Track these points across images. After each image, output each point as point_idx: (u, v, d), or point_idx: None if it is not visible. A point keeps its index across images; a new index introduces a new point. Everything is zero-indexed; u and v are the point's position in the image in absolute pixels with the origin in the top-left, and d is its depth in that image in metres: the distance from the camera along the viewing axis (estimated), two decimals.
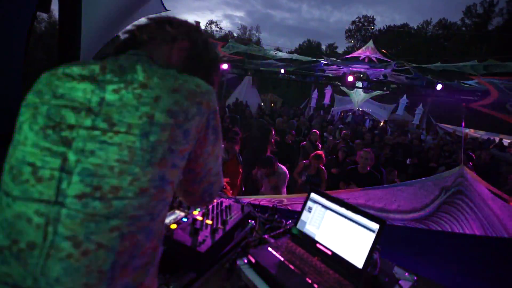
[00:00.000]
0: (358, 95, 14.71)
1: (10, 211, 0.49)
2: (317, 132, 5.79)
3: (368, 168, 3.30)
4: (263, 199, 1.87)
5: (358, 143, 5.38)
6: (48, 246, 0.47)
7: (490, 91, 4.60)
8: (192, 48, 0.71)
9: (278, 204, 1.65)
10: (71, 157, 0.50)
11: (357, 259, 0.88)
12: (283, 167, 3.20)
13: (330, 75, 12.05)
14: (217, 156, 0.69)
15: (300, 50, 37.58)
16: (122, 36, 0.72)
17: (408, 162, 5.88)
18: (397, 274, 0.97)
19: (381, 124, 13.85)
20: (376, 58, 14.84)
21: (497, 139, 12.36)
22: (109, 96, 0.54)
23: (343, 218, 0.96)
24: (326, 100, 17.86)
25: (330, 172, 4.33)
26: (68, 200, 0.49)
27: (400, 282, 0.92)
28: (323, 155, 3.79)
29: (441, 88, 7.85)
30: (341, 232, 0.95)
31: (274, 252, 0.93)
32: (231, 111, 9.02)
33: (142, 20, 0.72)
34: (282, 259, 0.90)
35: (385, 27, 37.17)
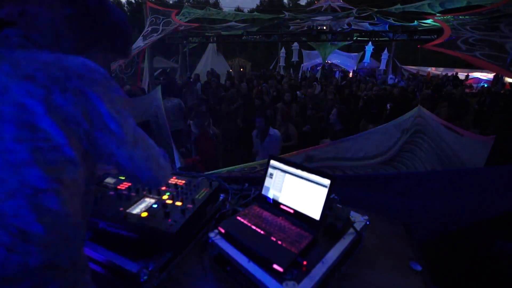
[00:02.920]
0: (325, 48, 14.63)
1: None
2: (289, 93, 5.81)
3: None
4: (237, 170, 1.95)
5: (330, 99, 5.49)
6: None
7: (444, 29, 4.74)
8: (82, 14, 0.60)
9: (250, 173, 1.73)
10: None
11: (315, 212, 0.99)
12: (275, 130, 3.34)
13: (296, 31, 11.74)
14: (135, 141, 0.62)
15: (262, 7, 35.64)
16: None
17: (388, 107, 6.02)
18: (353, 218, 1.10)
19: (350, 75, 14.07)
20: (338, 6, 14.50)
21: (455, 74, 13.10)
22: None
23: (300, 179, 1.05)
24: (295, 57, 17.63)
25: (302, 130, 4.48)
26: None
27: (354, 225, 1.05)
28: (288, 111, 3.89)
29: (402, 30, 7.98)
30: (300, 191, 1.04)
31: (242, 220, 1.02)
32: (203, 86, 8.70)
33: None
34: (249, 224, 0.99)
35: None
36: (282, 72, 15.13)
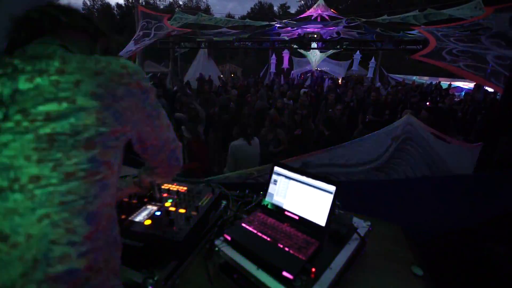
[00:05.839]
0: (315, 56, 14.92)
1: None
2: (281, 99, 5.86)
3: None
4: (234, 176, 1.95)
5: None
6: None
7: (429, 40, 4.94)
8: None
9: (248, 179, 1.72)
10: None
11: (320, 218, 1.00)
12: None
13: (286, 38, 11.93)
14: (167, 125, 0.78)
15: (253, 14, 36.11)
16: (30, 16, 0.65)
17: (366, 119, 6.06)
18: (356, 223, 1.12)
19: (340, 81, 14.37)
20: (327, 15, 14.90)
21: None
22: (22, 86, 0.52)
23: (305, 185, 1.06)
24: (285, 64, 17.88)
25: (293, 134, 4.54)
26: None
27: (357, 230, 1.07)
28: (275, 116, 3.91)
29: (389, 40, 8.28)
30: (305, 198, 1.05)
31: (247, 227, 1.02)
32: (197, 88, 8.65)
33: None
34: (255, 231, 0.99)
35: None
36: (272, 77, 15.26)
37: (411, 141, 3.12)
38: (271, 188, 1.15)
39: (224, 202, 1.30)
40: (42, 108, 0.51)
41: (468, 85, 13.76)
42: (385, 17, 9.60)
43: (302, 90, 7.67)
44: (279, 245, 0.92)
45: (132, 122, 0.63)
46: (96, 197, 0.54)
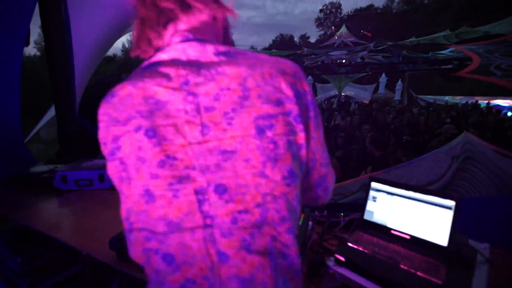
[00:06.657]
0: (340, 81, 15.02)
1: (166, 245, 0.47)
2: None
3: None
4: None
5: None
6: (217, 267, 0.46)
7: (472, 58, 4.79)
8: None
9: None
10: (199, 177, 0.46)
11: (439, 238, 0.91)
12: None
13: (309, 65, 12.24)
14: (322, 143, 0.59)
15: (275, 45, 37.81)
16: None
17: (403, 140, 5.89)
18: (473, 245, 1.01)
19: (367, 103, 14.19)
20: (351, 41, 15.19)
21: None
22: (204, 100, 0.47)
23: (413, 201, 0.99)
24: None
25: (334, 156, 4.42)
26: (216, 220, 0.47)
27: (479, 252, 0.95)
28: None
29: (422, 61, 8.15)
30: (415, 215, 0.97)
31: (356, 247, 0.95)
32: None
33: None
34: (367, 251, 0.92)
35: (352, 11, 38.04)
36: None
37: (473, 160, 2.89)
38: (370, 205, 1.09)
39: (311, 223, 1.25)
40: (235, 122, 0.47)
41: (510, 102, 12.92)
42: (412, 39, 9.58)
43: (336, 113, 7.63)
44: (402, 266, 0.84)
45: (303, 128, 0.52)
46: (295, 211, 0.52)
